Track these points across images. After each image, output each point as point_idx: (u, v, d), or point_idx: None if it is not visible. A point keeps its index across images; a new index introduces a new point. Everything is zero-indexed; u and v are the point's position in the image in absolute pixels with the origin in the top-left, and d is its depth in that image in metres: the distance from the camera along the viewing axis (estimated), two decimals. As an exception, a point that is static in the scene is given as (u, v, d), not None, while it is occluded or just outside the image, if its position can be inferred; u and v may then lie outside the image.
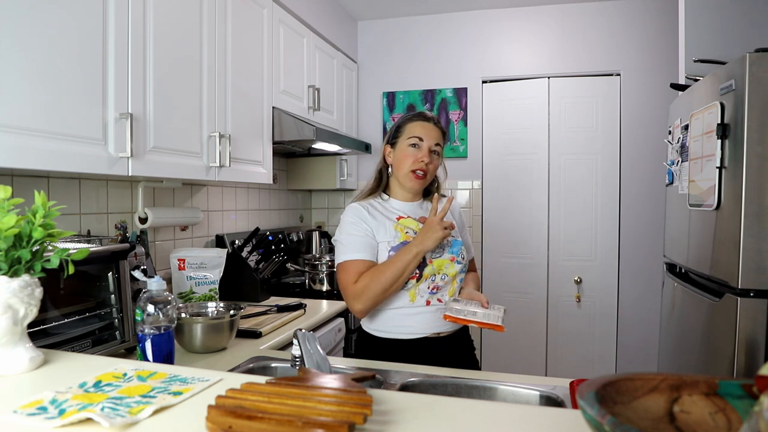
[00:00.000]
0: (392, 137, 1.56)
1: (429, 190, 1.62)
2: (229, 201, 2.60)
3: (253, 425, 0.64)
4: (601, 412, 0.55)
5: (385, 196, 1.57)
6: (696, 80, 1.96)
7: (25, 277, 0.95)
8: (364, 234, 1.46)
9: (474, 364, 1.58)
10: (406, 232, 1.48)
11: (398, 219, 1.51)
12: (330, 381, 0.80)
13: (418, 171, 1.49)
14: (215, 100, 1.89)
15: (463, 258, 1.52)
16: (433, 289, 1.46)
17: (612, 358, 3.15)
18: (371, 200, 1.56)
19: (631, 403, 0.63)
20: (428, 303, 1.46)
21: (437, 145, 1.51)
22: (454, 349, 1.50)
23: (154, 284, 1.18)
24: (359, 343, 1.55)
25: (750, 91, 1.39)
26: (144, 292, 1.18)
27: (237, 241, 2.46)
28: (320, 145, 2.65)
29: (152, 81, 1.56)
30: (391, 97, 3.45)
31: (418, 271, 1.44)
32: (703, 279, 1.70)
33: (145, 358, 1.16)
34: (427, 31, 3.40)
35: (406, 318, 1.46)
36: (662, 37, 2.97)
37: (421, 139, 1.49)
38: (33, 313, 0.96)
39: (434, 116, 1.57)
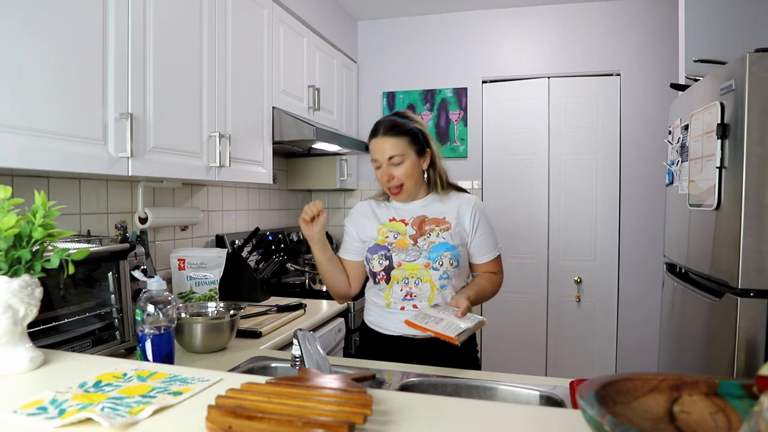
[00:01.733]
0: None
1: (437, 183, 1.55)
2: (229, 201, 2.60)
3: (253, 425, 0.64)
4: (601, 412, 0.55)
5: (392, 198, 1.58)
6: (696, 80, 1.96)
7: (25, 277, 0.95)
8: (349, 236, 1.61)
9: (473, 364, 1.55)
10: (386, 236, 1.51)
11: (390, 220, 1.54)
12: (330, 381, 0.80)
13: (390, 188, 1.51)
14: (215, 100, 1.89)
15: (442, 264, 1.46)
16: (406, 295, 1.47)
17: (612, 358, 3.15)
18: (379, 199, 1.62)
19: (631, 403, 0.63)
20: (402, 308, 1.48)
21: (391, 157, 1.46)
22: (447, 349, 1.44)
23: (154, 284, 1.18)
24: (360, 331, 1.65)
25: (750, 91, 1.39)
26: (144, 292, 1.18)
27: (237, 241, 2.46)
28: (320, 145, 2.65)
29: (152, 81, 1.56)
30: (391, 97, 3.45)
31: (384, 273, 1.49)
32: (703, 279, 1.70)
33: (145, 358, 1.16)
34: (427, 31, 3.40)
35: (386, 314, 1.51)
36: (662, 37, 2.97)
37: (376, 160, 1.50)
38: (33, 313, 0.96)
39: (387, 122, 1.50)
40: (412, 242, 1.49)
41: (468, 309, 1.36)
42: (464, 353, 1.50)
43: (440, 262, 1.46)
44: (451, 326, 1.28)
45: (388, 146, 1.47)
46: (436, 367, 1.35)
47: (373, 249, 1.51)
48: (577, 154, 3.16)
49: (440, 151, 1.58)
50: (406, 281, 1.47)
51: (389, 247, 1.49)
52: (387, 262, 1.48)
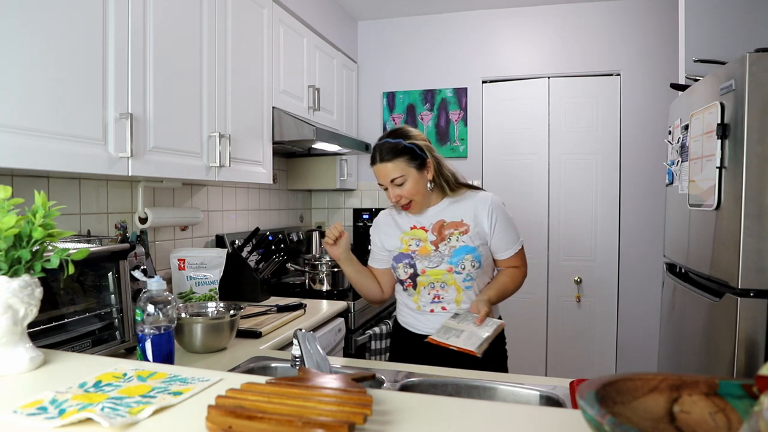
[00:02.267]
0: None
1: (450, 186, 1.58)
2: (229, 201, 2.60)
3: (253, 425, 0.64)
4: (601, 412, 0.55)
5: None
6: (696, 80, 1.96)
7: (25, 277, 0.95)
8: (375, 246, 1.69)
9: (501, 359, 1.63)
10: (410, 244, 1.58)
11: (411, 228, 1.59)
12: (330, 381, 0.80)
13: (401, 206, 1.57)
14: (215, 100, 1.89)
15: (464, 268, 1.52)
16: (434, 298, 1.56)
17: (612, 358, 3.15)
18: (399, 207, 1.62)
19: (631, 403, 0.63)
20: (432, 311, 1.57)
21: (393, 180, 1.51)
22: None
23: (154, 284, 1.18)
24: (393, 330, 1.73)
25: (750, 91, 1.39)
26: (144, 292, 1.18)
27: (237, 241, 2.46)
28: (320, 145, 2.65)
29: (152, 81, 1.56)
30: (391, 97, 3.45)
31: (411, 281, 1.58)
32: (703, 279, 1.70)
33: (145, 358, 1.16)
34: (427, 31, 3.40)
35: (417, 316, 1.61)
36: (662, 37, 2.97)
37: (381, 184, 1.56)
38: (33, 313, 0.96)
39: (382, 147, 1.53)
40: (434, 248, 1.55)
41: (486, 314, 1.42)
42: (492, 349, 1.54)
43: (462, 266, 1.52)
44: (472, 337, 1.34)
45: (388, 170, 1.51)
46: (435, 367, 1.35)
47: (398, 258, 1.59)
48: (577, 154, 3.16)
49: (442, 154, 1.62)
50: (432, 286, 1.55)
51: (412, 255, 1.56)
52: (412, 270, 1.56)
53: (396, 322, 1.70)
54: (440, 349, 1.39)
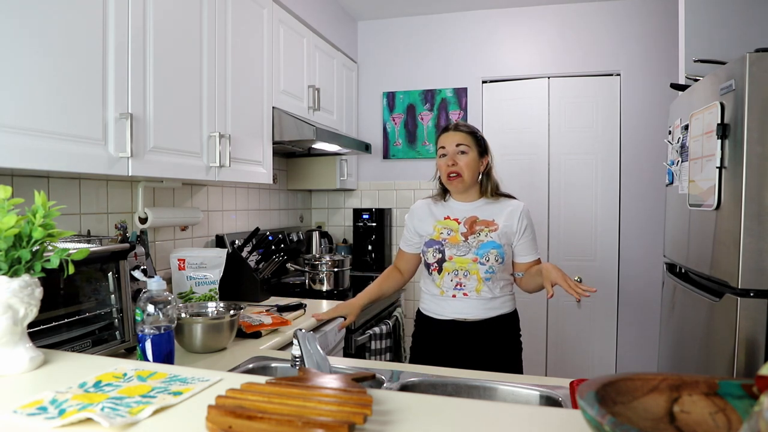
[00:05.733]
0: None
1: (487, 188, 1.75)
2: (229, 201, 2.60)
3: (253, 425, 0.64)
4: (601, 412, 0.55)
5: (448, 197, 1.79)
6: (696, 80, 1.96)
7: (25, 277, 0.95)
8: (408, 231, 1.83)
9: (516, 347, 1.77)
10: (441, 233, 1.71)
11: (445, 218, 1.74)
12: (330, 381, 0.80)
13: (449, 173, 1.69)
14: (215, 100, 1.89)
15: (488, 260, 1.65)
16: (456, 285, 1.69)
17: (612, 358, 3.15)
18: (436, 198, 1.80)
19: (631, 403, 0.64)
20: (454, 296, 1.69)
21: (458, 145, 1.68)
22: (492, 332, 1.69)
23: (154, 284, 1.18)
24: (416, 319, 1.84)
25: (750, 91, 1.39)
26: (144, 292, 1.18)
27: (237, 241, 2.46)
28: (320, 145, 2.65)
29: (152, 81, 1.56)
30: (391, 97, 3.45)
31: (437, 265, 1.69)
32: (703, 279, 1.70)
33: (145, 358, 1.16)
34: (427, 31, 3.40)
35: (439, 302, 1.72)
36: (662, 37, 2.97)
37: (444, 148, 1.71)
38: (33, 313, 0.96)
39: (458, 123, 1.75)
40: (463, 239, 1.69)
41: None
42: (507, 335, 1.75)
43: (487, 258, 1.66)
44: None
45: (458, 137, 1.70)
46: (436, 367, 1.36)
47: (429, 243, 1.72)
48: (577, 154, 3.15)
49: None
50: (456, 273, 1.67)
51: (443, 242, 1.70)
52: (440, 255, 1.69)
53: (418, 311, 1.82)
54: (459, 332, 1.68)
